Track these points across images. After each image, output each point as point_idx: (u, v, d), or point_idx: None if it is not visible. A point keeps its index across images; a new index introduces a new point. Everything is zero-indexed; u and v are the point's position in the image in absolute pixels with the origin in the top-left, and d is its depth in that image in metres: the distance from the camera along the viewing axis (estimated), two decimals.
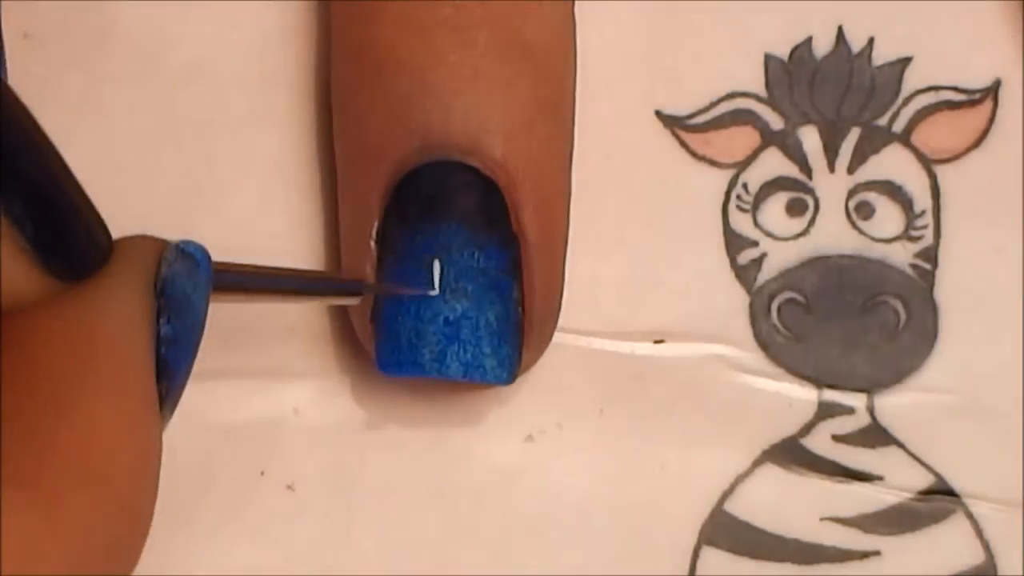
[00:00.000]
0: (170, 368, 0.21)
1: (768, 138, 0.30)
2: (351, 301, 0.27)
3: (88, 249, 0.20)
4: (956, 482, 0.28)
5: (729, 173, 0.30)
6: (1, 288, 0.19)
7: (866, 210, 0.30)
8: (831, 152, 0.30)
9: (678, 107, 0.30)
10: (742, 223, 0.30)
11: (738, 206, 0.30)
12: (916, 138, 0.30)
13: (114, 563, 0.19)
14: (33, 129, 0.19)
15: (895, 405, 0.29)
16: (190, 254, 0.21)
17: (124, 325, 0.20)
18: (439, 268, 0.26)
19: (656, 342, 0.29)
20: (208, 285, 0.21)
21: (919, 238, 0.29)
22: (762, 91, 0.30)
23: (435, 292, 0.26)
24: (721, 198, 0.30)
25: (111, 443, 0.19)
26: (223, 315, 0.28)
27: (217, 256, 0.24)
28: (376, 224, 0.26)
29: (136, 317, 0.20)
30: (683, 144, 0.30)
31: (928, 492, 0.28)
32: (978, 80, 0.30)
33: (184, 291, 0.21)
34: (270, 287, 0.25)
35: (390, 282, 0.26)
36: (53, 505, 0.18)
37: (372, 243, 0.26)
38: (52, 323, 0.19)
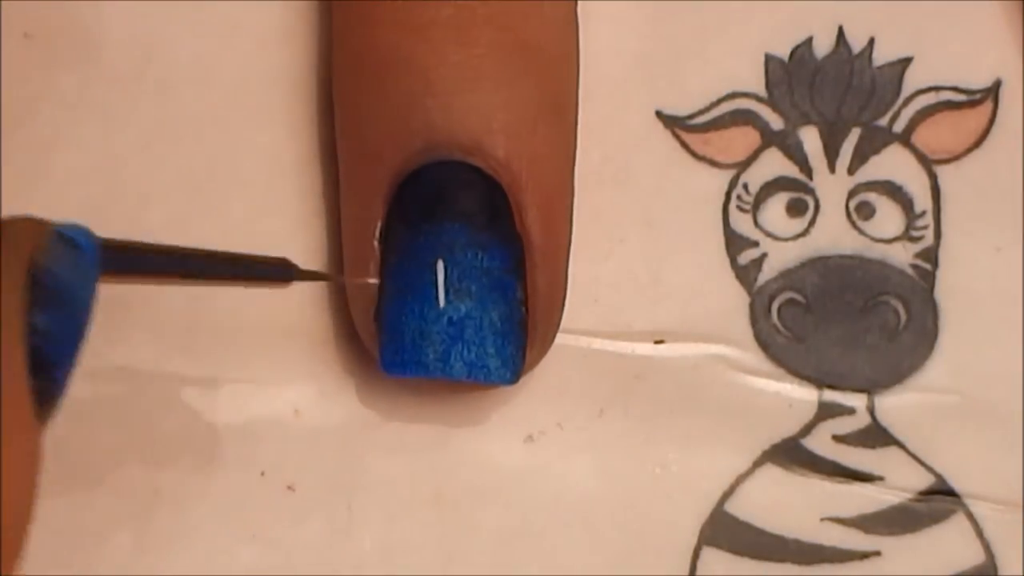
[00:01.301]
0: (49, 361, 0.19)
1: (768, 138, 0.30)
2: (278, 286, 0.25)
3: None
4: (956, 482, 0.28)
5: (729, 173, 0.30)
6: None
7: (866, 210, 0.30)
8: (831, 152, 0.30)
9: (678, 107, 0.30)
10: (742, 223, 0.30)
11: (738, 206, 0.30)
12: (916, 138, 0.30)
13: None
14: None
15: (895, 405, 0.29)
16: (71, 238, 0.20)
17: None
18: (443, 268, 0.26)
19: (656, 342, 0.29)
20: (95, 271, 0.20)
21: (919, 238, 0.29)
22: (762, 91, 0.30)
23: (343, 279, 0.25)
24: (721, 198, 0.30)
25: None
26: (223, 317, 0.28)
27: None
28: (379, 224, 0.26)
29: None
30: (683, 144, 0.30)
31: (928, 492, 0.28)
32: (978, 80, 0.30)
33: (63, 279, 0.19)
34: (177, 268, 0.23)
35: (332, 272, 0.25)
36: None
37: (375, 243, 0.26)
38: None
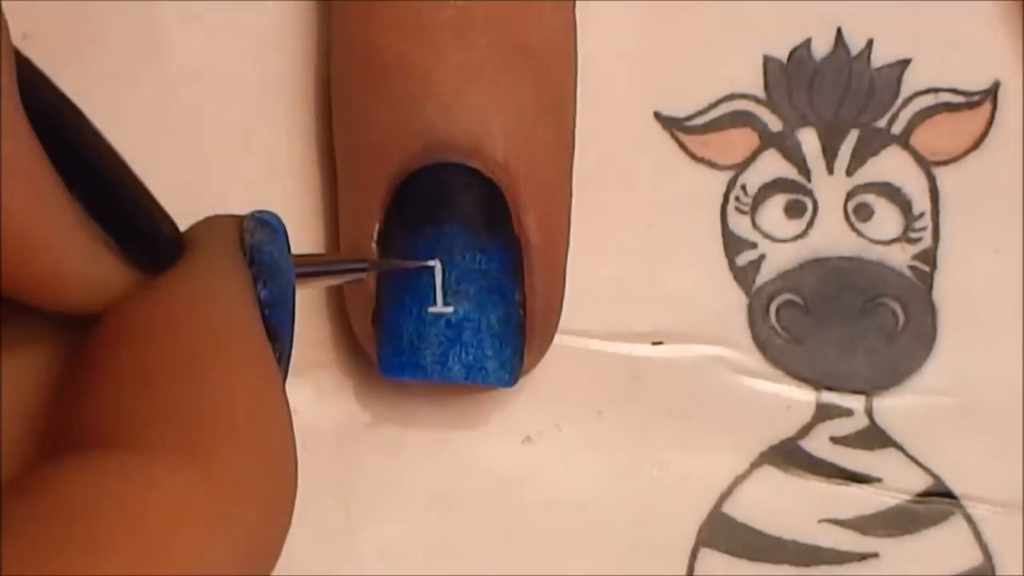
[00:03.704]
0: (276, 329, 0.21)
1: (767, 140, 0.30)
2: (357, 278, 0.26)
3: (164, 236, 0.21)
4: (954, 484, 0.28)
5: (728, 175, 0.30)
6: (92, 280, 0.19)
7: (865, 212, 0.30)
8: (830, 154, 0.30)
9: (677, 108, 0.30)
10: (741, 225, 0.30)
11: (737, 208, 0.30)
12: (915, 140, 0.30)
13: (270, 524, 0.19)
14: (88, 123, 0.20)
15: (893, 407, 0.29)
16: (266, 222, 0.21)
17: (230, 295, 0.20)
18: (440, 271, 0.26)
19: (655, 343, 0.29)
20: (288, 248, 0.22)
21: (918, 240, 0.29)
22: (761, 93, 0.30)
23: (434, 263, 0.26)
24: (720, 200, 0.30)
25: (249, 407, 0.19)
26: None
27: None
28: (377, 226, 0.26)
29: (238, 285, 0.20)
30: (682, 146, 0.30)
31: (926, 494, 0.28)
32: (977, 82, 0.30)
33: (271, 255, 0.21)
34: (307, 271, 0.25)
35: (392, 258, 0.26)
36: (207, 467, 0.18)
37: (373, 245, 0.26)
38: (161, 307, 0.19)
